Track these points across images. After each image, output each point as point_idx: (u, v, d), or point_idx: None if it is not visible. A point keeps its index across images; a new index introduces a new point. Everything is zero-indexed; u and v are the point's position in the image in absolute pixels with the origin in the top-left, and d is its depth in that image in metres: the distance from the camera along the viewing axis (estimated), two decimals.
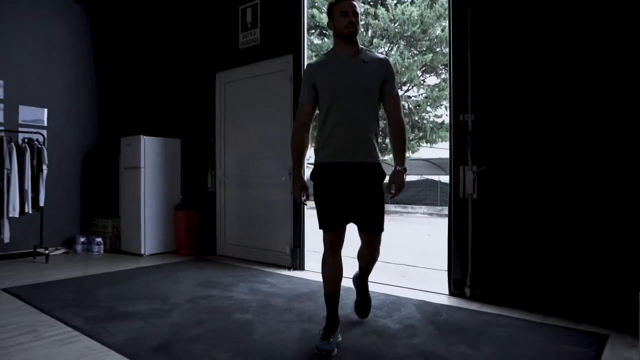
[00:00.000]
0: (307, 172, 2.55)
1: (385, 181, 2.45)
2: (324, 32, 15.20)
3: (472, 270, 3.36)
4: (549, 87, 3.04)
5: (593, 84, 2.86)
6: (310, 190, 2.47)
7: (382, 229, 2.44)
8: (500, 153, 3.23)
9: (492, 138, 3.27)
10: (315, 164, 2.45)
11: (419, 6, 13.37)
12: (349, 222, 2.40)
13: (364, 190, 2.36)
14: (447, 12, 3.95)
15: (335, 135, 2.35)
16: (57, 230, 5.37)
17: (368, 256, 2.63)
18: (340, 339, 2.42)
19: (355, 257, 2.78)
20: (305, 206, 2.39)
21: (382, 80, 2.40)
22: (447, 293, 3.48)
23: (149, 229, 5.28)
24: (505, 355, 2.28)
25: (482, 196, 3.32)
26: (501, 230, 3.23)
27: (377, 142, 2.43)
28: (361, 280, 2.83)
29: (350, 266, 2.96)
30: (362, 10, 14.44)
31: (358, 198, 2.36)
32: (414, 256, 5.84)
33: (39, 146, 4.88)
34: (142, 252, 5.22)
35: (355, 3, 2.39)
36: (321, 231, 2.42)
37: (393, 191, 2.35)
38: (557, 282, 2.98)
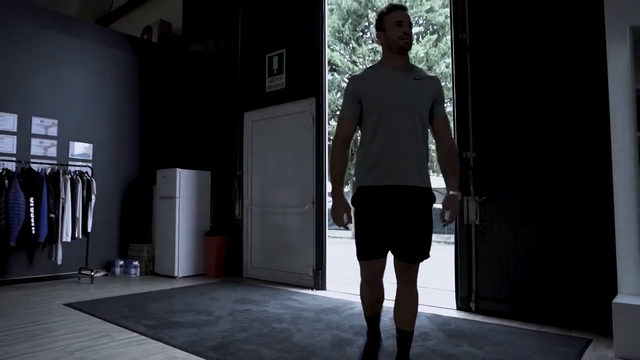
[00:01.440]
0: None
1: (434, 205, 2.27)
2: (334, 67, 15.97)
3: (476, 287, 3.85)
4: (537, 129, 3.61)
5: (570, 128, 3.43)
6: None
7: (426, 255, 2.20)
8: (498, 185, 3.77)
9: (491, 172, 3.81)
10: (359, 188, 2.24)
11: (425, 45, 14.17)
12: (390, 250, 2.19)
13: (415, 216, 2.16)
14: (450, 51, 4.53)
15: (384, 157, 2.15)
16: (98, 254, 5.90)
17: (408, 304, 2.22)
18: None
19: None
20: (348, 230, 2.30)
21: (433, 100, 2.25)
22: (455, 308, 3.95)
23: (182, 253, 5.80)
24: (504, 354, 2.76)
25: (484, 222, 3.84)
26: (501, 251, 3.74)
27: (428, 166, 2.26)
28: (401, 350, 2.25)
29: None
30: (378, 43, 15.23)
31: (407, 225, 2.15)
32: (423, 278, 6.28)
33: (89, 178, 5.48)
34: (176, 274, 5.73)
35: (408, 13, 2.26)
36: (356, 260, 2.27)
37: (447, 218, 2.18)
38: (551, 295, 3.46)
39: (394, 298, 2.29)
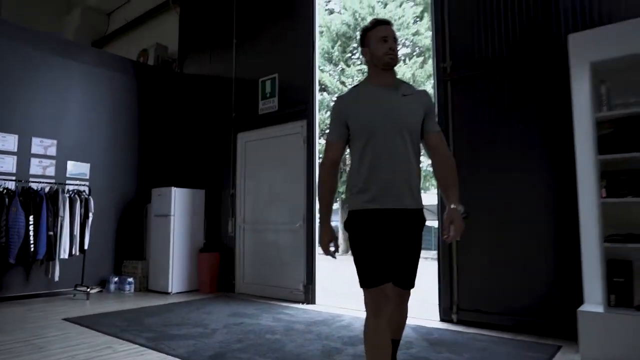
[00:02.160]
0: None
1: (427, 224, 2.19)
2: (323, 87, 16.36)
3: (457, 300, 4.10)
4: (512, 153, 3.92)
5: (542, 151, 3.75)
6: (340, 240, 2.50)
7: (414, 283, 2.18)
8: (478, 203, 4.05)
9: (472, 191, 4.09)
10: (351, 212, 2.14)
11: (411, 67, 14.66)
12: (391, 278, 2.09)
13: (409, 242, 2.11)
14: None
15: (375, 178, 2.06)
16: (93, 271, 6.03)
17: (398, 319, 2.24)
18: None
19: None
20: (334, 258, 2.20)
21: (424, 115, 2.15)
22: (438, 319, 4.19)
23: (176, 270, 5.97)
24: (482, 359, 2.99)
25: (464, 239, 4.10)
26: (480, 266, 4.00)
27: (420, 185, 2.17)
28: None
29: None
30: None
31: (402, 252, 2.09)
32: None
33: (87, 197, 5.66)
34: (170, 290, 5.89)
35: (393, 28, 2.19)
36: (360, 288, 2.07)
37: (452, 233, 2.04)
38: (525, 306, 3.72)
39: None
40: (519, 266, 3.79)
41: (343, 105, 2.18)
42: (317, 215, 3.57)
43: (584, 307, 3.12)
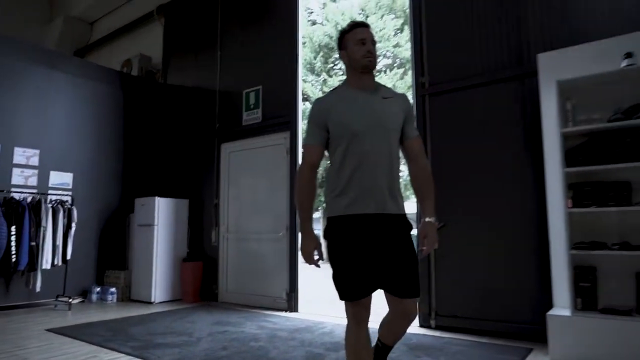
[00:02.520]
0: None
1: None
2: (305, 97, 16.52)
3: (435, 306, 4.25)
4: (487, 165, 4.11)
5: (514, 164, 3.95)
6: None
7: (419, 291, 2.05)
8: (453, 214, 4.22)
9: (448, 202, 4.27)
10: (330, 219, 2.07)
11: (392, 78, 14.96)
12: (377, 289, 2.00)
13: (396, 246, 2.00)
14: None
15: (356, 182, 2.01)
16: (75, 281, 6.00)
17: (400, 331, 2.16)
18: None
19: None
20: (319, 267, 2.10)
21: (404, 120, 2.13)
22: (417, 325, 4.32)
23: (159, 279, 5.99)
24: None
25: (441, 248, 4.27)
26: (457, 273, 4.17)
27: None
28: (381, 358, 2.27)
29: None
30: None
31: (389, 257, 1.98)
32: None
33: (69, 207, 5.66)
34: (153, 300, 5.90)
35: (371, 31, 2.15)
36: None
37: (425, 247, 2.02)
38: (500, 311, 3.89)
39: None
40: (494, 273, 3.97)
41: (323, 108, 2.11)
42: (298, 223, 3.68)
43: (553, 311, 3.30)
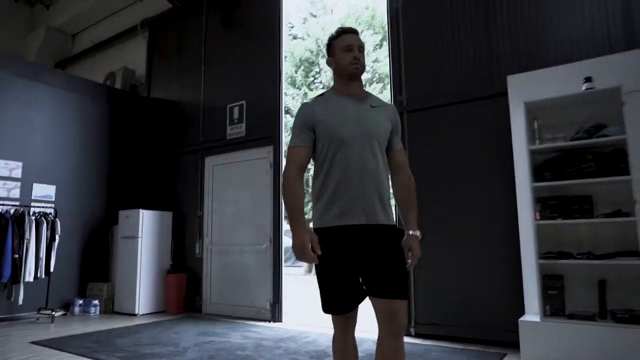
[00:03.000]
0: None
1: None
2: (287, 110, 16.72)
3: (415, 314, 4.43)
4: (462, 180, 4.35)
5: (487, 179, 4.20)
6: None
7: (406, 292, 1.98)
8: (432, 226, 4.43)
9: (425, 216, 4.47)
10: (318, 230, 1.99)
11: (372, 91, 15.30)
12: (364, 298, 1.99)
13: (386, 254, 1.94)
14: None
15: (343, 192, 1.95)
16: (57, 294, 5.99)
17: (390, 349, 1.91)
18: None
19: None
20: (316, 263, 1.93)
21: (391, 130, 2.09)
22: None
23: (143, 291, 6.02)
24: None
25: (420, 259, 4.46)
26: (435, 283, 4.37)
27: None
28: None
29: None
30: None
31: (377, 262, 1.91)
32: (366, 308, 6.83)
33: (53, 219, 5.67)
34: (136, 311, 5.92)
35: (360, 37, 2.11)
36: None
37: (409, 260, 1.98)
38: (475, 319, 4.10)
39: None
40: (470, 282, 4.18)
41: (311, 112, 2.04)
42: (286, 225, 3.69)
43: (524, 317, 3.52)
